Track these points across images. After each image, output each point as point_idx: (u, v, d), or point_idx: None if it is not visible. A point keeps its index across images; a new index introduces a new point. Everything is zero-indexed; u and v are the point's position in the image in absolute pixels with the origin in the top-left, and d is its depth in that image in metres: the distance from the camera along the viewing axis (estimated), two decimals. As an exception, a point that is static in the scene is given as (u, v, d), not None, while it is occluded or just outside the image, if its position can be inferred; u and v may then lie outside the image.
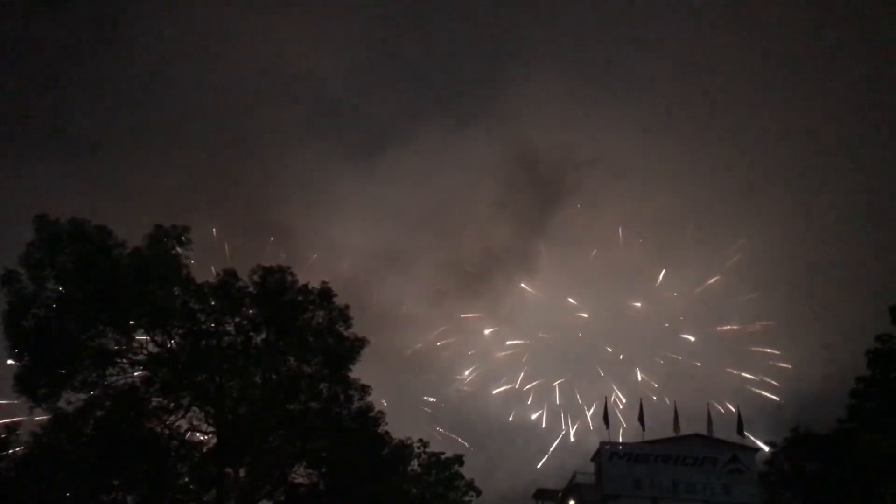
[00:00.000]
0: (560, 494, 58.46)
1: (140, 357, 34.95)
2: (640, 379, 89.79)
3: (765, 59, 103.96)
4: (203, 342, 35.67)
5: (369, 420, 37.72)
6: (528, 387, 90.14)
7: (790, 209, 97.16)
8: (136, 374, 34.95)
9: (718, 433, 54.08)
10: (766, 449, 53.49)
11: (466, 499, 42.03)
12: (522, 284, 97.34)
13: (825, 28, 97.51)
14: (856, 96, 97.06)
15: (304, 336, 36.78)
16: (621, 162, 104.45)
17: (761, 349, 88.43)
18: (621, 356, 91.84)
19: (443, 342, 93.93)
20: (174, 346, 35.52)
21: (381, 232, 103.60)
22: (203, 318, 35.81)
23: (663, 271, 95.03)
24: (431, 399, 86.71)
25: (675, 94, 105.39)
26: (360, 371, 37.81)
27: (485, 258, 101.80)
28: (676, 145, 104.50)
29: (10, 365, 32.92)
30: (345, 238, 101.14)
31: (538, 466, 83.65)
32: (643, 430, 54.65)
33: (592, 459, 54.39)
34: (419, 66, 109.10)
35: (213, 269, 38.18)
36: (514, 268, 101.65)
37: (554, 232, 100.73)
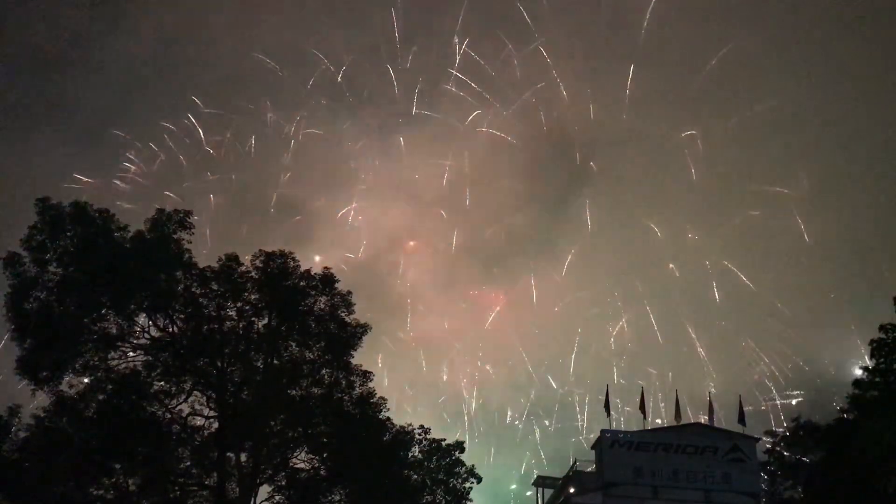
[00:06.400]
0: (560, 482, 58.49)
1: (142, 341, 35.01)
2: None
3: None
4: (205, 326, 35.76)
5: (371, 406, 37.75)
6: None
7: (803, 198, 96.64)
8: (137, 357, 35.02)
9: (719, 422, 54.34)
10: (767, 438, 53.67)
11: (467, 485, 42.00)
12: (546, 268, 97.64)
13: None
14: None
15: (306, 321, 36.81)
16: (645, 139, 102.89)
17: (763, 343, 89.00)
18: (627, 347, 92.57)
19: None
20: (176, 330, 35.61)
21: (399, 213, 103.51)
22: (205, 303, 35.86)
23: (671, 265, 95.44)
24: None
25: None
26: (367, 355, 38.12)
27: (506, 240, 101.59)
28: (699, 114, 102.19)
29: (12, 348, 33.02)
30: (362, 218, 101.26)
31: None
32: (644, 417, 54.83)
33: (593, 447, 54.41)
34: (437, 46, 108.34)
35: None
36: (535, 250, 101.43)
37: (578, 212, 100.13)
